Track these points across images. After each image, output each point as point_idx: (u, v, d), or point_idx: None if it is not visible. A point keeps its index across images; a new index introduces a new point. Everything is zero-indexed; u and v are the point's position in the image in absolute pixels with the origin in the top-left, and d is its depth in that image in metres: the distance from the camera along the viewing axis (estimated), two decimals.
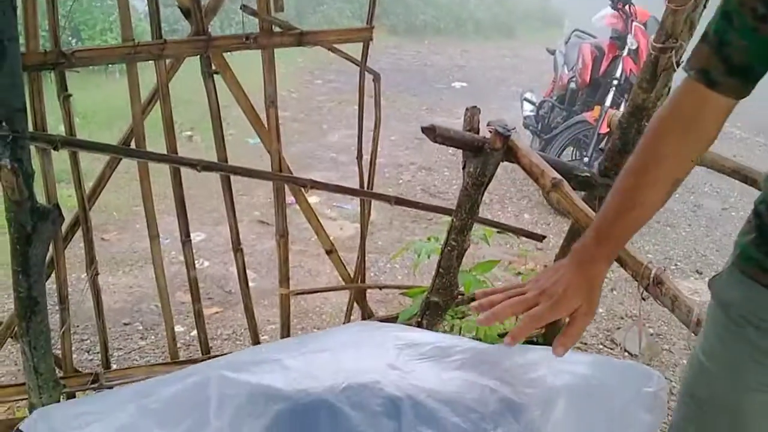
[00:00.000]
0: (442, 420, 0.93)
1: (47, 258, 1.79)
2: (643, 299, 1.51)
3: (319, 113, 6.64)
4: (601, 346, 2.94)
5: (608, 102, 4.39)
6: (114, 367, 2.19)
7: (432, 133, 1.68)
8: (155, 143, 1.92)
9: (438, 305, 1.96)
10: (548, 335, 2.30)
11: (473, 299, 2.38)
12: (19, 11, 1.32)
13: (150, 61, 1.78)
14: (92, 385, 1.90)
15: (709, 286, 1.08)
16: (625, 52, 4.50)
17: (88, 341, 2.71)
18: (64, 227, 1.85)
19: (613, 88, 4.45)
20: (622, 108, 4.08)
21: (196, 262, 2.10)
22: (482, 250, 3.71)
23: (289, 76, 7.83)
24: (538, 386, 1.02)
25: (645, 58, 1.84)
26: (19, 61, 1.27)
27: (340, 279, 2.36)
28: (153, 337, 2.80)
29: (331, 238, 2.22)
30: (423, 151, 5.60)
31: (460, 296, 2.18)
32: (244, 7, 1.80)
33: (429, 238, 2.40)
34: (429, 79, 8.80)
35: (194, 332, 2.57)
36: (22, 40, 1.54)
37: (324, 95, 7.36)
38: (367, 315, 2.41)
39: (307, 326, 2.97)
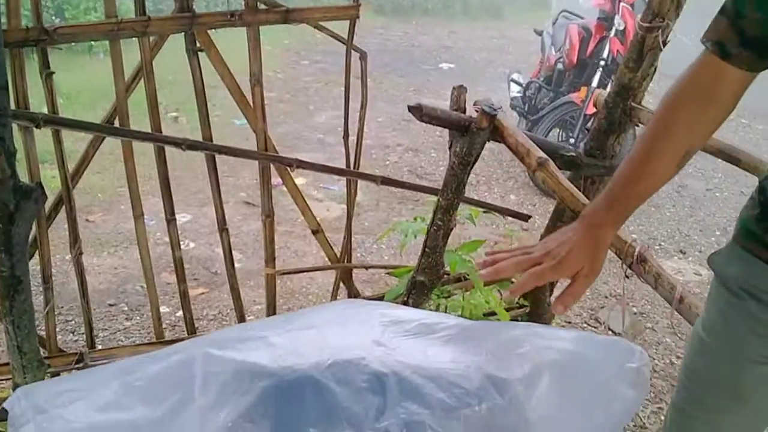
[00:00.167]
0: (427, 396, 0.93)
1: (30, 237, 1.78)
2: (627, 277, 1.52)
3: (306, 94, 6.60)
4: (585, 325, 2.96)
5: (595, 83, 4.40)
6: (99, 347, 2.18)
7: (418, 112, 1.67)
8: (139, 124, 1.91)
9: (424, 285, 1.96)
10: (532, 314, 2.31)
11: (459, 279, 2.40)
12: None
13: (134, 39, 1.76)
14: (77, 365, 1.89)
15: (709, 263, 1.10)
16: (612, 33, 4.50)
17: (73, 322, 2.69)
18: (47, 206, 1.83)
19: (600, 69, 4.45)
20: (608, 89, 4.09)
21: (181, 243, 2.10)
22: (468, 230, 3.72)
23: (276, 56, 7.77)
24: (522, 362, 1.02)
25: (632, 38, 1.84)
26: (1, 38, 1.25)
27: (327, 260, 2.36)
28: (138, 317, 2.79)
29: (317, 219, 2.21)
30: (410, 133, 5.59)
31: (446, 276, 2.19)
32: None
33: (415, 219, 2.40)
34: (416, 60, 8.76)
35: (180, 313, 2.57)
36: (3, 18, 1.52)
37: (310, 76, 7.31)
38: (353, 295, 2.42)
39: (293, 307, 2.97)
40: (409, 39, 10.21)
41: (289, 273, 2.74)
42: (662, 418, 2.40)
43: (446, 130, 1.81)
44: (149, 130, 1.87)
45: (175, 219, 2.01)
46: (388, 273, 2.77)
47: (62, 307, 2.76)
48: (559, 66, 4.92)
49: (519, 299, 2.46)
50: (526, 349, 1.05)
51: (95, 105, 5.04)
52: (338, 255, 2.32)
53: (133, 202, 1.93)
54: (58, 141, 1.80)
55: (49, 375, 1.72)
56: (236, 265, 2.24)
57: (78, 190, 1.91)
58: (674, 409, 1.18)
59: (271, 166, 2.00)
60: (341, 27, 1.97)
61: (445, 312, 2.23)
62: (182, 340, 2.09)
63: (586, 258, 1.02)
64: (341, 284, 2.42)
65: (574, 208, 1.50)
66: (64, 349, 2.08)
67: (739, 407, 1.06)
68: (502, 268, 1.04)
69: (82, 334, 2.39)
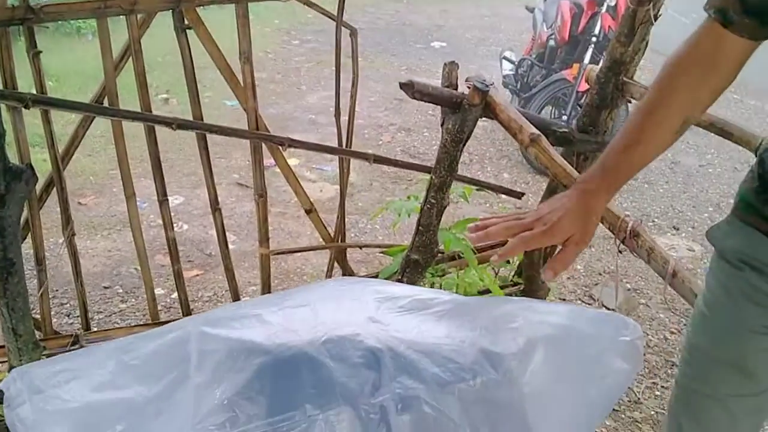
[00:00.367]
0: (422, 370, 0.94)
1: (22, 220, 1.77)
2: (620, 252, 1.53)
3: (297, 74, 6.55)
4: (579, 302, 2.98)
5: (587, 59, 4.38)
6: (95, 330, 2.18)
7: (410, 89, 1.66)
8: (129, 106, 1.89)
9: (418, 263, 1.96)
10: (527, 291, 2.33)
11: (453, 258, 2.41)
12: None
13: (122, 19, 1.74)
14: (72, 347, 1.90)
15: (708, 237, 1.10)
16: (604, 9, 4.47)
17: (68, 305, 2.69)
18: (38, 188, 1.82)
19: (592, 46, 4.43)
20: (600, 65, 4.07)
21: (175, 225, 2.09)
22: (462, 209, 3.72)
23: (266, 36, 7.70)
24: (515, 336, 1.03)
25: (623, 12, 1.83)
26: None
27: (321, 240, 2.36)
28: (133, 300, 2.79)
29: (311, 199, 2.21)
30: (403, 112, 5.57)
31: (439, 254, 2.19)
32: None
33: (409, 197, 2.40)
34: (408, 38, 8.70)
35: (175, 294, 2.57)
36: None
37: (301, 56, 7.25)
38: (347, 275, 2.42)
39: (287, 287, 2.97)
40: (401, 17, 10.13)
41: (283, 253, 2.74)
42: (656, 393, 2.42)
43: (439, 110, 1.80)
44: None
45: (167, 199, 2.00)
46: (382, 252, 2.78)
47: (57, 291, 2.75)
48: (551, 43, 4.90)
49: (513, 277, 2.47)
50: (519, 324, 1.06)
51: (85, 88, 5.00)
52: (332, 235, 2.32)
53: (125, 183, 1.92)
54: (47, 121, 1.78)
55: (44, 357, 1.72)
56: (230, 246, 2.23)
57: (70, 173, 1.90)
58: (679, 388, 1.16)
59: (263, 145, 1.99)
60: (331, 4, 1.95)
61: None
62: None
63: (577, 225, 1.01)
64: (335, 264, 2.42)
65: (567, 184, 1.50)
66: (60, 332, 2.08)
67: (745, 381, 1.05)
68: (493, 232, 1.03)
69: (78, 317, 2.39)
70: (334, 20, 1.95)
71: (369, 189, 4.10)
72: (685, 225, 3.95)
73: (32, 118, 1.89)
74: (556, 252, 1.03)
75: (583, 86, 4.12)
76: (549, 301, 2.56)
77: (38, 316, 1.95)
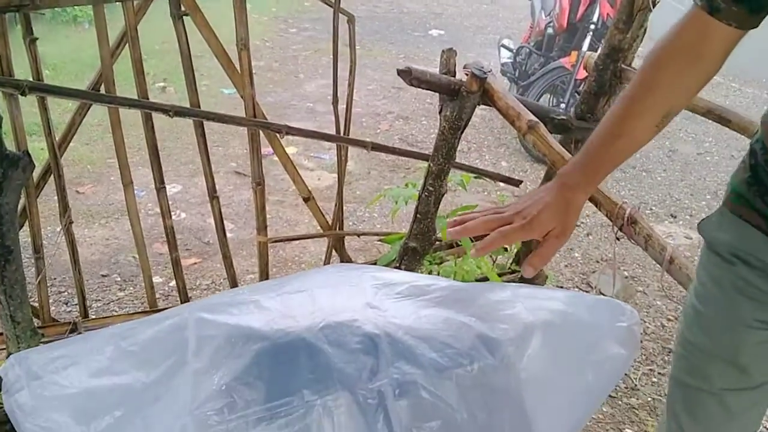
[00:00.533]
0: (420, 356, 0.94)
1: (20, 207, 1.77)
2: (618, 239, 1.53)
3: (295, 62, 6.53)
4: (576, 289, 2.98)
5: (585, 47, 4.37)
6: (93, 317, 2.18)
7: (408, 75, 1.66)
8: (126, 94, 1.88)
9: (416, 251, 1.97)
10: (524, 279, 2.33)
11: (451, 245, 2.41)
12: None
13: (118, 6, 1.73)
14: (71, 335, 1.90)
15: (699, 230, 1.08)
16: None
17: (66, 293, 2.69)
18: (35, 175, 1.82)
19: (590, 33, 4.42)
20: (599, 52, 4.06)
21: (173, 214, 2.09)
22: (460, 197, 3.72)
23: (263, 24, 7.67)
24: (513, 322, 1.03)
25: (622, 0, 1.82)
26: None
27: (319, 228, 2.36)
28: (131, 288, 2.79)
29: (309, 188, 2.21)
30: (401, 101, 5.56)
31: (437, 242, 2.20)
32: None
33: (407, 185, 2.40)
34: (405, 27, 8.67)
35: (173, 283, 2.57)
36: None
37: (299, 44, 7.22)
38: (345, 263, 2.42)
39: (285, 275, 2.98)
40: (398, 5, 10.08)
41: (281, 240, 2.74)
42: (653, 380, 2.43)
43: (437, 98, 1.80)
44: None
45: (164, 187, 2.00)
46: (380, 240, 2.78)
47: (55, 279, 2.75)
48: (549, 30, 4.88)
49: (511, 265, 2.48)
50: (516, 310, 1.06)
51: (81, 76, 4.98)
52: (330, 223, 2.32)
53: (122, 171, 1.92)
54: (44, 108, 1.78)
55: (43, 344, 1.72)
56: (228, 234, 2.23)
57: (67, 162, 1.89)
58: (676, 384, 1.14)
59: (261, 133, 1.99)
60: None
61: None
62: None
63: (557, 219, 1.00)
64: (333, 252, 2.42)
65: None
66: (58, 320, 2.08)
67: (740, 375, 1.03)
68: (471, 227, 1.01)
69: (76, 305, 2.39)
70: (331, 7, 1.94)
71: (367, 177, 4.10)
72: (683, 213, 3.95)
73: (29, 106, 1.89)
74: (536, 247, 1.01)
75: (582, 74, 4.11)
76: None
77: (36, 304, 1.95)
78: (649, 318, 2.82)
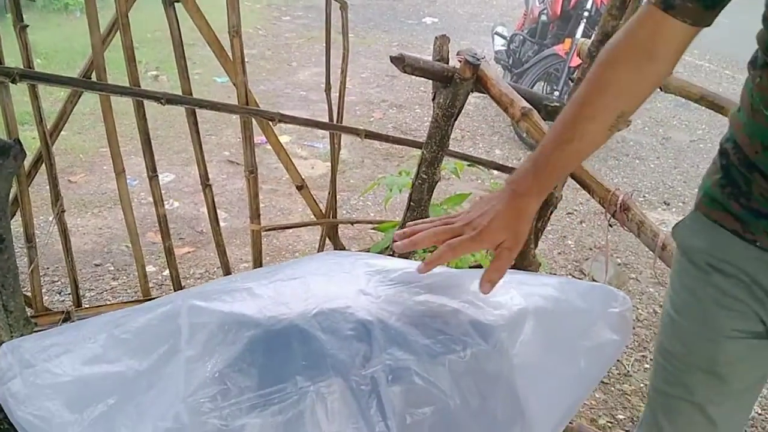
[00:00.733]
0: (413, 342, 0.94)
1: (11, 196, 1.76)
2: (611, 226, 1.54)
3: (288, 50, 6.50)
4: (569, 276, 2.99)
5: (579, 34, 4.36)
6: (86, 306, 2.18)
7: (400, 62, 1.65)
8: (118, 82, 1.87)
9: None
10: (517, 265, 2.33)
11: None
12: None
13: None
14: (64, 324, 1.90)
15: (673, 234, 1.05)
16: None
17: (59, 283, 2.69)
18: (27, 164, 1.81)
19: (584, 20, 4.42)
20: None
21: (166, 203, 2.08)
22: (453, 185, 3.72)
23: (256, 12, 7.63)
24: (505, 308, 1.03)
25: None
26: None
27: (312, 217, 2.36)
28: (125, 277, 2.79)
29: (302, 176, 2.20)
30: (394, 89, 5.55)
31: None
32: None
33: (400, 173, 2.39)
34: (399, 14, 8.64)
35: (166, 272, 2.57)
36: None
37: (292, 32, 7.20)
38: (339, 250, 2.42)
39: (279, 263, 2.98)
40: None
41: (274, 229, 2.73)
42: (646, 366, 2.45)
43: (431, 86, 1.80)
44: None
45: (157, 175, 1.99)
46: (373, 228, 2.78)
47: (48, 268, 2.75)
48: (543, 18, 4.88)
49: None
50: (509, 296, 1.06)
51: (73, 64, 4.95)
52: (323, 211, 2.32)
53: (114, 159, 1.91)
54: (35, 96, 1.77)
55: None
56: (222, 223, 2.23)
57: (59, 151, 1.89)
58: (656, 393, 1.11)
59: (254, 121, 1.98)
60: None
61: None
62: None
63: (507, 229, 0.96)
64: (327, 240, 2.42)
65: None
66: (51, 309, 2.08)
67: (721, 385, 1.01)
68: (418, 240, 0.98)
69: (69, 294, 2.38)
70: None
71: (360, 166, 4.09)
72: (676, 200, 3.97)
73: (21, 95, 1.88)
74: (491, 261, 0.99)
75: (575, 61, 4.11)
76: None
77: (29, 293, 1.95)
78: (641, 304, 2.84)
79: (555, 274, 2.99)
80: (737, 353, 0.99)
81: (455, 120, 1.78)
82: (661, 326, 1.09)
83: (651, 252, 1.37)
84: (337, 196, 2.36)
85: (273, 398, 0.85)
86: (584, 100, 0.96)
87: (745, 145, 0.91)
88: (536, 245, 2.28)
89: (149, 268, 2.68)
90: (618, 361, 2.40)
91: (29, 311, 1.81)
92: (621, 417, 2.18)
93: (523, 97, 1.66)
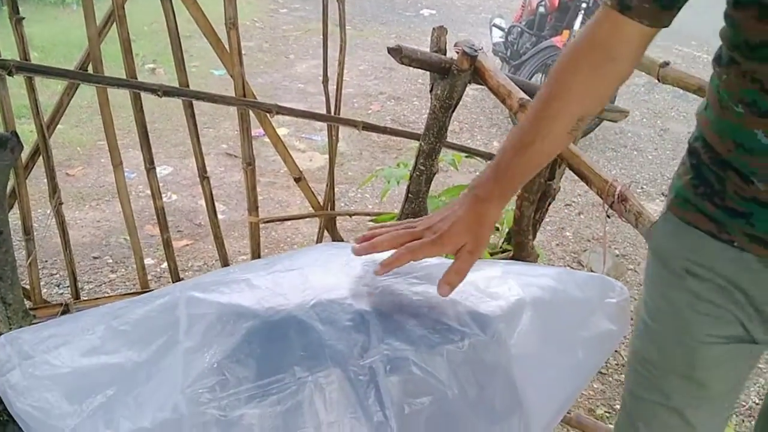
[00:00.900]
0: (410, 332, 0.94)
1: (9, 188, 1.76)
2: (608, 217, 1.54)
3: (285, 43, 6.48)
4: (568, 268, 3.00)
5: (577, 26, 4.36)
6: (85, 299, 2.18)
7: (398, 54, 1.65)
8: (114, 74, 1.87)
9: None
10: (515, 257, 2.34)
11: None
12: None
13: None
14: (62, 316, 1.90)
15: (646, 237, 1.04)
16: None
17: (58, 275, 2.69)
18: (24, 156, 1.80)
19: (582, 12, 4.41)
20: None
21: (164, 195, 2.08)
22: (451, 177, 3.72)
23: (253, 5, 7.61)
24: (503, 298, 1.03)
25: None
26: None
27: (310, 209, 2.36)
28: (123, 270, 2.79)
29: (300, 168, 2.20)
30: (392, 81, 5.54)
31: None
32: None
33: (398, 165, 2.39)
34: (397, 6, 8.61)
35: (164, 264, 2.57)
36: None
37: (289, 24, 7.17)
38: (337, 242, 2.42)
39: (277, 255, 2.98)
40: None
41: (272, 221, 2.73)
42: None
43: (428, 79, 1.79)
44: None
45: (154, 168, 1.99)
46: (371, 220, 2.78)
47: (46, 261, 2.75)
48: (541, 9, 4.87)
49: (502, 244, 2.48)
50: (508, 286, 1.06)
51: (70, 57, 4.93)
52: (322, 203, 2.32)
53: (111, 151, 1.91)
54: (31, 89, 1.76)
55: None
56: (220, 216, 2.23)
57: (57, 144, 1.88)
58: (632, 398, 1.10)
59: (251, 114, 1.97)
60: None
61: None
62: None
63: (469, 233, 0.96)
64: (325, 232, 2.42)
65: None
66: (50, 301, 2.08)
67: (698, 390, 1.00)
68: (378, 243, 0.97)
69: (68, 287, 2.39)
70: None
71: (358, 158, 4.09)
72: None
73: (18, 88, 1.87)
74: (451, 264, 0.98)
75: None
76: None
77: (28, 286, 1.95)
78: (639, 295, 2.83)
79: (553, 265, 2.99)
80: (715, 358, 0.97)
81: (453, 111, 1.78)
82: (635, 331, 1.08)
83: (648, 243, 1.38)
84: (335, 189, 2.36)
85: (271, 389, 0.85)
86: (545, 103, 0.95)
87: (716, 143, 0.90)
88: (534, 236, 2.29)
89: (147, 261, 2.68)
90: (615, 351, 2.41)
91: (28, 304, 1.82)
92: (618, 407, 2.19)
93: (520, 88, 1.66)
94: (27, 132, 3.01)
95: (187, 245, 3.01)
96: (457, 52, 1.68)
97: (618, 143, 4.66)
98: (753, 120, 0.82)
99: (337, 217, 2.46)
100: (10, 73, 1.62)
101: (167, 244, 2.10)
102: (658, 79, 1.80)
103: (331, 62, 2.07)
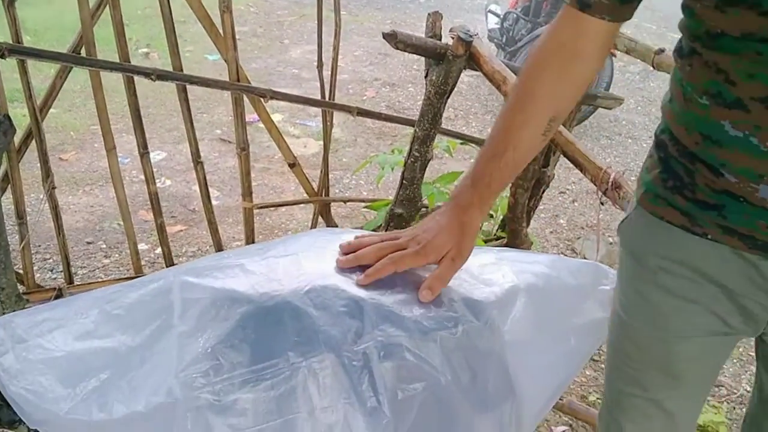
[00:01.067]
0: (404, 318, 0.94)
1: (1, 173, 1.75)
2: (602, 204, 1.54)
3: (279, 28, 6.45)
4: (561, 255, 3.00)
5: None
6: (78, 283, 2.18)
7: (393, 39, 1.64)
8: (108, 58, 1.85)
9: (402, 217, 1.97)
10: (510, 244, 2.34)
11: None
12: None
13: None
14: (56, 300, 1.89)
15: (618, 233, 1.03)
16: None
17: (51, 260, 2.68)
18: (17, 140, 1.79)
19: None
20: None
21: (157, 181, 2.07)
22: (446, 164, 3.72)
23: None
24: (497, 285, 1.03)
25: None
26: None
27: (305, 195, 2.36)
28: (117, 255, 2.78)
29: (294, 155, 2.20)
30: (387, 67, 5.52)
31: (423, 208, 2.20)
32: None
33: (393, 151, 2.39)
34: None
35: (158, 250, 2.57)
36: None
37: (284, 9, 7.13)
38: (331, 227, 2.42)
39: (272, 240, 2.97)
40: None
41: (266, 206, 2.73)
42: None
43: (423, 65, 1.79)
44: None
45: (148, 152, 1.98)
46: (366, 207, 2.78)
47: (39, 246, 2.74)
48: None
49: (496, 231, 2.49)
50: (501, 273, 1.06)
51: (63, 41, 4.89)
52: (316, 189, 2.32)
53: (104, 135, 1.89)
54: (24, 72, 1.75)
55: None
56: (214, 201, 2.22)
57: (50, 129, 1.87)
58: (611, 389, 1.11)
59: (245, 98, 1.97)
60: None
61: None
62: None
63: (451, 242, 0.97)
64: (320, 218, 2.42)
65: None
66: (43, 286, 2.07)
67: (675, 382, 1.00)
68: (362, 255, 0.98)
69: (61, 272, 2.38)
70: None
71: (353, 144, 4.08)
72: None
73: (10, 72, 1.86)
74: (434, 270, 0.99)
75: None
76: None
77: (21, 270, 1.94)
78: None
79: (547, 252, 3.00)
80: (691, 352, 0.97)
81: (448, 98, 1.77)
82: (611, 325, 1.08)
83: None
84: (330, 175, 2.36)
85: (265, 374, 0.85)
86: (514, 109, 0.95)
87: (682, 136, 0.88)
88: (528, 224, 2.29)
89: (141, 246, 2.68)
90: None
91: (21, 288, 1.81)
92: None
93: (516, 75, 1.66)
94: (20, 116, 2.99)
95: (181, 231, 3.01)
96: (453, 38, 1.68)
97: (612, 131, 4.66)
98: (719, 111, 0.80)
99: (332, 203, 2.46)
100: (2, 56, 1.61)
101: (161, 230, 2.09)
102: (653, 66, 1.80)
103: (326, 47, 2.06)
